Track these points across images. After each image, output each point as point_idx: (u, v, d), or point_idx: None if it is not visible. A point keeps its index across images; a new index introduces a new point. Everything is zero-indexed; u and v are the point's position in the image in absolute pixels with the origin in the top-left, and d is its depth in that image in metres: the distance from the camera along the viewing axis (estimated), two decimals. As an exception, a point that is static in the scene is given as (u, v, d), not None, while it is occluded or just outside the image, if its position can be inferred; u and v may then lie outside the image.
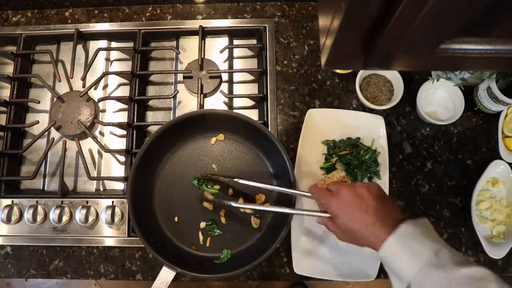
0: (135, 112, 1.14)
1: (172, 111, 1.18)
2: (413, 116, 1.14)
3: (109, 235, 1.06)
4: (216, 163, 1.07)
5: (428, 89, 1.13)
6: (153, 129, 1.16)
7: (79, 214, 1.04)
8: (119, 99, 1.16)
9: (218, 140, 1.08)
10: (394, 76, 1.14)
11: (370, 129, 1.10)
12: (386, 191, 1.05)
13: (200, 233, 1.03)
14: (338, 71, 1.17)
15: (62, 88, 1.20)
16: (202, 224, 1.03)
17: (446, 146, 1.13)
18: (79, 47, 1.23)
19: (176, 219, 1.04)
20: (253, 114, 1.17)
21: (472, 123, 1.14)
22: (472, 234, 1.05)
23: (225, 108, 1.18)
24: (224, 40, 1.24)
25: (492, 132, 1.12)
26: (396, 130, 1.13)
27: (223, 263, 0.99)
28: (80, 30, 1.21)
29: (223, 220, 1.03)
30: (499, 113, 1.11)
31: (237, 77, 1.21)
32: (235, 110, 1.17)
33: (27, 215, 1.05)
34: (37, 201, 1.08)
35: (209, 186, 1.03)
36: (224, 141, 1.08)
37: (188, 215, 1.04)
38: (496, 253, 1.01)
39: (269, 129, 1.11)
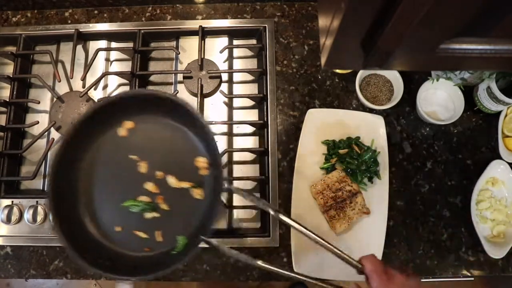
0: (135, 112, 1.13)
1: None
2: (413, 116, 1.14)
3: (109, 235, 1.06)
4: (139, 156, 0.89)
5: (428, 89, 1.13)
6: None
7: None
8: (119, 99, 1.16)
9: (129, 129, 0.90)
10: (394, 76, 1.14)
11: (370, 129, 1.10)
12: (386, 191, 1.06)
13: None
14: (338, 71, 1.17)
15: (62, 88, 1.20)
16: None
17: (446, 146, 1.13)
18: (79, 47, 1.23)
19: (117, 228, 0.87)
20: (253, 114, 1.17)
21: (472, 123, 1.14)
22: (472, 234, 1.05)
23: (225, 108, 1.17)
24: (224, 40, 1.24)
25: (492, 132, 1.12)
26: (396, 130, 1.13)
27: (183, 250, 0.84)
28: (80, 30, 1.20)
29: (164, 206, 0.87)
30: (499, 113, 1.11)
31: (237, 77, 1.21)
32: (234, 110, 1.17)
33: (27, 215, 1.06)
34: (37, 201, 1.08)
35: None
36: (138, 128, 0.91)
37: (128, 220, 0.87)
38: (496, 253, 1.01)
39: (269, 130, 1.11)
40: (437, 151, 1.12)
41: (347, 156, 1.07)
